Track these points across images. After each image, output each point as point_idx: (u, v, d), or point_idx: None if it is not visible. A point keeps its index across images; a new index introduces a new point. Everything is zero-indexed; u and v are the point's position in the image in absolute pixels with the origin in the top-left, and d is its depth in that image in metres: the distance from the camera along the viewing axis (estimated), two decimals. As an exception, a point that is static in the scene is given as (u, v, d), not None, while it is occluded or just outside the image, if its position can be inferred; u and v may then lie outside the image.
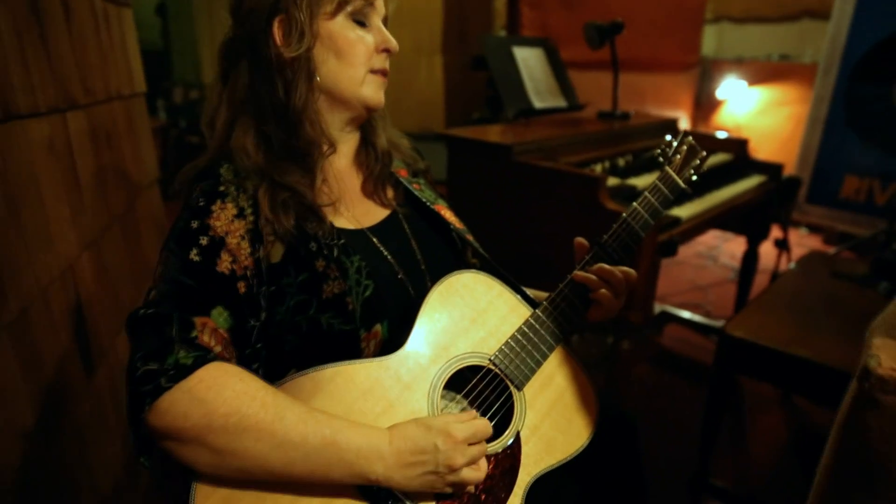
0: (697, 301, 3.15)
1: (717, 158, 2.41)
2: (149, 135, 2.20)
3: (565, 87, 2.50)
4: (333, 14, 0.81)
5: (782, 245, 2.52)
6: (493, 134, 2.02)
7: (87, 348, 1.38)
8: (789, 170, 3.82)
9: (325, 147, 0.83)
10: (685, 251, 3.99)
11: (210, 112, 0.85)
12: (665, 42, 4.65)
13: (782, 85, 4.61)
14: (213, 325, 0.69)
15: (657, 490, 1.75)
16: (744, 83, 4.73)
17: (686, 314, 2.86)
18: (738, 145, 2.48)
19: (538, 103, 2.33)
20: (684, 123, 4.91)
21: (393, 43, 0.85)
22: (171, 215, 0.89)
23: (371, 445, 0.68)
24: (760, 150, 4.54)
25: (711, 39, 5.02)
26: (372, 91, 0.85)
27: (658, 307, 2.92)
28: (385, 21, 0.89)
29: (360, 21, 0.83)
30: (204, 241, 0.72)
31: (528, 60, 2.40)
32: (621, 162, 2.10)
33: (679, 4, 4.62)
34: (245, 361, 0.73)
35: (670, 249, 1.65)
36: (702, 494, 1.75)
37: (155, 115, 5.40)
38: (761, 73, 4.69)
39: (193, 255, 0.71)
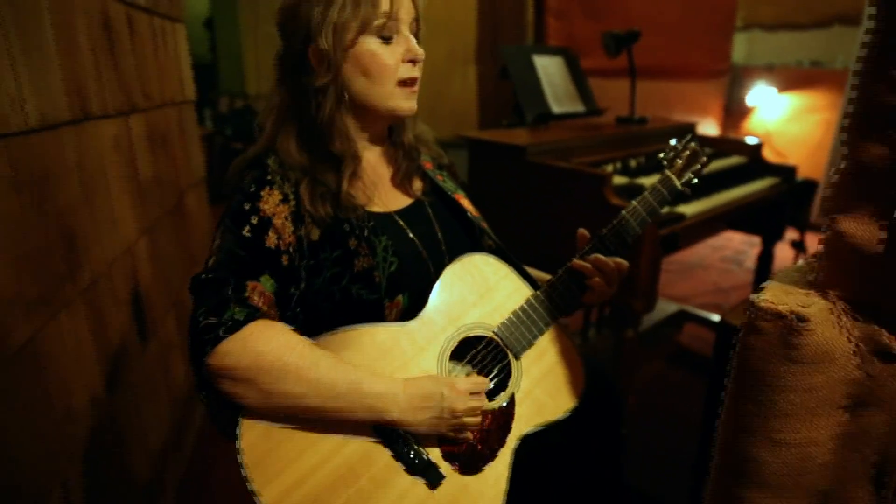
0: (718, 302, 3.20)
1: (732, 161, 2.49)
2: (197, 138, 2.42)
3: (584, 93, 2.62)
4: (357, 38, 0.89)
5: (798, 246, 2.57)
6: (511, 136, 2.15)
7: (143, 322, 1.58)
8: (818, 176, 3.81)
9: (350, 159, 0.92)
10: (711, 256, 4.02)
11: (262, 117, 0.98)
12: (694, 50, 4.70)
13: (813, 92, 4.59)
14: (261, 289, 0.83)
15: (664, 478, 1.83)
16: (774, 90, 4.73)
17: (703, 313, 2.92)
18: (752, 148, 2.55)
19: (557, 108, 2.45)
20: (713, 130, 4.93)
21: (418, 51, 0.92)
22: (215, 216, 1.00)
23: (389, 391, 0.82)
24: (790, 157, 4.53)
25: (742, 47, 5.03)
26: (401, 102, 0.92)
27: (677, 307, 2.98)
28: (417, 20, 0.94)
29: (386, 36, 0.90)
30: (254, 220, 0.86)
31: (548, 68, 2.53)
32: (633, 163, 2.21)
33: (708, 13, 4.66)
34: (286, 323, 0.87)
35: (672, 244, 1.75)
36: (702, 482, 1.82)
37: (202, 123, 5.71)
38: (792, 79, 4.68)
39: (246, 231, 0.85)
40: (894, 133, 0.53)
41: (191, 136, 2.28)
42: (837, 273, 0.59)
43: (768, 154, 2.68)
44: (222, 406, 0.82)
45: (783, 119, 4.74)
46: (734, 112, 5.05)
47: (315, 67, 0.91)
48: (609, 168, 2.10)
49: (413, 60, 0.92)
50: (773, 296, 0.59)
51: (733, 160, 2.51)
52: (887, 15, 0.52)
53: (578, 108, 2.56)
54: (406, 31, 0.92)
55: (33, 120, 1.05)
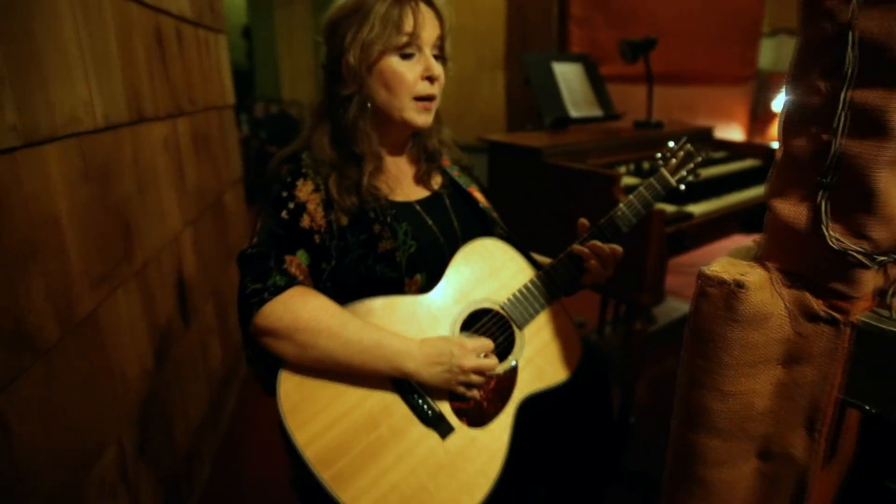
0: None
1: (746, 164, 2.55)
2: (235, 141, 2.60)
3: (602, 98, 2.72)
4: (381, 56, 0.99)
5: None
6: (528, 139, 2.26)
7: (185, 304, 1.74)
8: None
9: (370, 158, 1.04)
10: (732, 260, 4.04)
11: (306, 116, 1.13)
12: (719, 56, 4.73)
13: (841, 96, 4.57)
14: (297, 262, 0.96)
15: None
16: (800, 95, 4.72)
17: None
18: (767, 151, 2.60)
19: (574, 112, 2.55)
20: (738, 135, 4.94)
21: (434, 70, 1.03)
22: (251, 215, 1.13)
23: (406, 348, 0.94)
24: (816, 162, 4.50)
25: (769, 52, 5.03)
26: (414, 116, 1.03)
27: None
28: (443, 39, 1.05)
29: (407, 54, 1.00)
30: (291, 205, 0.99)
31: (567, 74, 2.63)
32: (646, 165, 2.29)
33: (734, 19, 4.69)
34: None
35: (679, 242, 1.84)
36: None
37: (239, 127, 5.96)
38: (819, 84, 4.66)
39: (284, 214, 0.98)
40: (815, 128, 0.63)
41: (230, 139, 2.46)
42: (774, 247, 0.69)
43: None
44: (264, 364, 0.96)
45: (810, 124, 4.71)
46: (760, 117, 5.04)
47: (345, 78, 1.04)
48: (622, 169, 2.19)
49: (430, 78, 1.03)
50: (720, 266, 0.70)
51: (748, 163, 2.56)
52: (806, 32, 0.63)
53: (596, 112, 2.66)
54: (427, 51, 1.03)
55: (100, 121, 1.21)
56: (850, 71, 0.60)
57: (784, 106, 0.67)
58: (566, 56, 2.74)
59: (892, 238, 0.63)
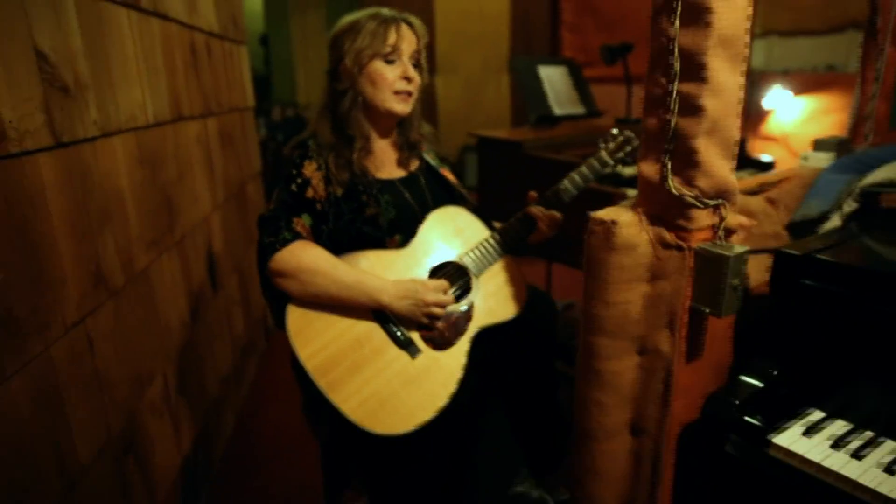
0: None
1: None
2: (255, 139, 2.92)
3: (585, 97, 2.98)
4: (370, 61, 1.30)
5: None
6: (513, 134, 2.54)
7: (214, 275, 2.04)
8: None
9: (360, 142, 1.33)
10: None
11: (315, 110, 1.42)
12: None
13: (827, 94, 4.78)
14: (302, 223, 1.25)
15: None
16: (789, 93, 4.93)
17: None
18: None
19: (558, 110, 2.82)
20: (731, 132, 5.14)
21: (410, 73, 1.32)
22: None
23: (382, 286, 1.22)
24: (803, 156, 4.71)
25: (760, 53, 5.25)
26: (395, 104, 1.32)
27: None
28: (419, 52, 1.33)
29: (390, 60, 1.29)
30: (299, 180, 1.28)
31: (552, 76, 2.91)
32: (619, 154, 2.55)
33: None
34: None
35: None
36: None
37: (256, 130, 6.30)
38: (807, 83, 4.87)
39: (293, 187, 1.27)
40: (660, 111, 0.91)
41: (251, 137, 2.77)
42: (642, 197, 0.97)
43: (784, 154, 2.94)
44: (276, 301, 1.25)
45: (799, 121, 4.93)
46: (753, 115, 5.26)
47: (342, 77, 1.33)
48: (595, 160, 2.46)
49: (406, 79, 1.32)
50: (604, 212, 0.97)
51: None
52: (652, 44, 0.90)
53: (579, 110, 2.93)
54: (406, 59, 1.32)
55: (151, 119, 1.52)
56: (676, 71, 0.87)
57: (644, 96, 0.94)
58: (552, 60, 3.01)
59: (713, 186, 0.90)
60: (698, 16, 0.84)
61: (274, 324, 1.31)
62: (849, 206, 1.34)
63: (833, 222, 1.32)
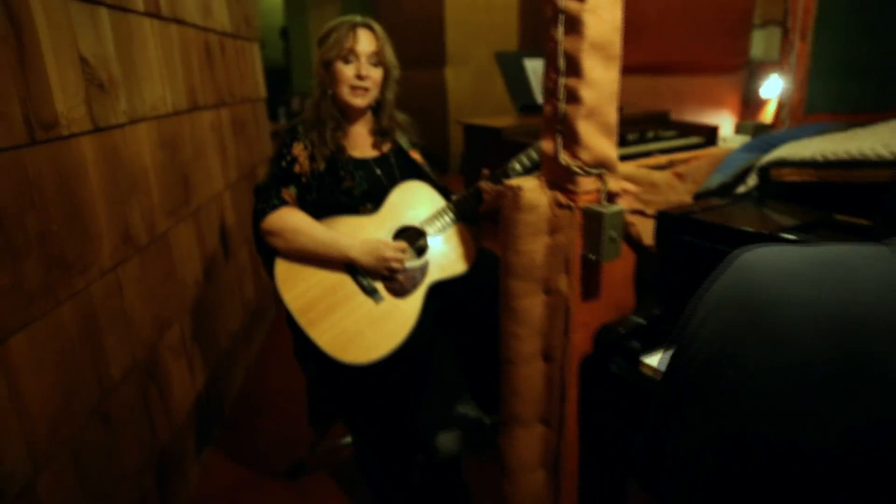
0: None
1: (690, 140, 3.01)
2: (266, 126, 3.22)
3: (570, 87, 3.21)
4: (334, 61, 1.57)
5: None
6: (495, 121, 2.79)
7: (227, 245, 2.35)
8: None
9: (332, 124, 1.61)
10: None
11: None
12: (710, 47, 5.08)
13: (823, 82, 4.88)
14: (290, 193, 1.54)
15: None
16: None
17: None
18: (710, 130, 3.06)
19: (541, 100, 3.06)
20: (730, 121, 5.29)
21: (363, 71, 1.57)
22: None
23: (351, 244, 1.49)
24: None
25: (760, 43, 5.36)
26: (351, 98, 1.59)
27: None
28: (377, 54, 1.59)
29: (348, 60, 1.59)
30: (288, 158, 1.57)
31: (537, 68, 3.14)
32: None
33: (725, 12, 5.03)
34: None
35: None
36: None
37: (277, 119, 6.62)
38: (803, 71, 4.98)
39: (283, 163, 1.56)
40: (554, 99, 1.16)
41: (262, 124, 3.08)
42: (543, 167, 1.23)
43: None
44: (267, 255, 1.54)
45: (795, 109, 5.05)
46: (752, 104, 5.39)
47: (320, 74, 1.61)
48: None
49: (360, 77, 1.58)
50: (514, 180, 1.23)
51: (692, 140, 3.03)
52: (546, 46, 1.16)
53: (563, 99, 3.16)
54: (363, 59, 1.58)
55: (170, 108, 1.82)
56: (562, 69, 1.13)
57: (544, 88, 1.20)
58: (539, 52, 3.24)
59: (593, 158, 1.16)
60: (574, 26, 1.10)
61: (266, 274, 1.60)
62: (752, 181, 1.57)
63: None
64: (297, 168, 1.56)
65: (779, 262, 0.48)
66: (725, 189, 1.55)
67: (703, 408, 0.53)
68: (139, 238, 1.58)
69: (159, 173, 1.74)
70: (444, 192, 1.71)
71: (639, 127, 3.01)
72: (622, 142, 2.83)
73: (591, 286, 1.27)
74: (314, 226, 1.50)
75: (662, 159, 1.56)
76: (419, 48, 6.08)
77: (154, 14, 1.74)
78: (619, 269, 1.34)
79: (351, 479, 1.94)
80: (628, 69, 3.18)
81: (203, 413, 1.98)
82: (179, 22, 1.95)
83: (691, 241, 1.26)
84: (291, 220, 1.49)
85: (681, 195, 1.54)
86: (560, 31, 1.12)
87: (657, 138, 2.97)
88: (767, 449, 0.47)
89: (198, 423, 1.94)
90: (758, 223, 1.27)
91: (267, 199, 1.51)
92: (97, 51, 1.40)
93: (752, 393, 0.49)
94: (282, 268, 1.51)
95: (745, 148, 1.64)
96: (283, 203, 1.51)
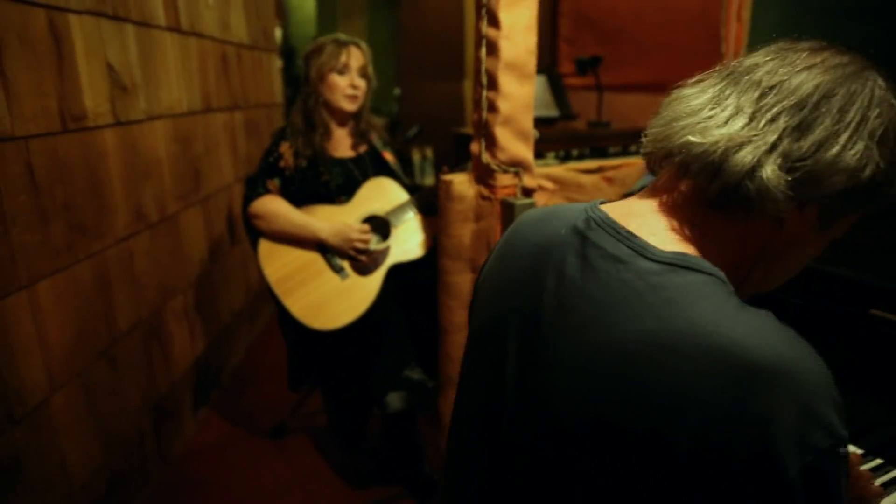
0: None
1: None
2: (281, 130, 3.54)
3: (561, 102, 3.45)
4: (328, 72, 1.85)
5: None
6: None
7: (233, 232, 2.66)
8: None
9: (321, 129, 1.89)
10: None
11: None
12: (697, 66, 5.24)
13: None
14: (274, 184, 1.82)
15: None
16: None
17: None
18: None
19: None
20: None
21: (355, 81, 1.86)
22: None
23: (322, 226, 1.75)
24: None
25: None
26: (345, 104, 1.87)
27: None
28: (364, 66, 1.90)
29: (342, 72, 1.88)
30: (275, 154, 1.85)
31: (530, 83, 3.39)
32: (575, 152, 3.01)
33: (711, 35, 5.19)
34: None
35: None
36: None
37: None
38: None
39: (270, 159, 1.84)
40: (479, 110, 1.41)
41: (276, 127, 3.39)
42: (473, 165, 1.47)
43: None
44: (253, 236, 1.82)
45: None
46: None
47: (310, 84, 1.89)
48: (550, 155, 2.93)
49: (353, 86, 1.86)
50: (449, 175, 1.48)
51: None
52: (474, 63, 1.40)
53: (553, 112, 3.39)
54: (353, 72, 1.86)
55: (185, 109, 2.13)
56: (484, 83, 1.38)
57: (473, 100, 1.45)
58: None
59: (508, 159, 1.40)
60: (492, 49, 1.35)
61: (252, 250, 1.89)
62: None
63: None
64: (282, 163, 1.84)
65: (529, 214, 0.72)
66: (650, 193, 1.77)
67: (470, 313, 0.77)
68: (150, 216, 1.88)
69: (172, 163, 2.04)
70: (408, 188, 1.97)
71: (622, 141, 3.22)
72: (603, 154, 3.04)
73: (511, 267, 1.51)
74: (291, 211, 1.78)
75: (593, 164, 1.79)
76: (439, 61, 6.38)
77: (174, 28, 2.05)
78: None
79: (325, 439, 2.19)
80: (633, 87, 3.40)
81: (201, 376, 2.27)
82: (198, 35, 2.26)
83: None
84: (272, 206, 1.77)
85: (608, 197, 1.77)
86: (483, 52, 1.37)
87: (638, 152, 3.16)
88: (476, 327, 0.72)
89: (196, 384, 2.22)
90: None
91: (254, 188, 1.80)
92: (122, 59, 1.71)
93: (479, 292, 0.73)
94: (264, 246, 1.79)
95: (674, 158, 1.85)
96: (267, 192, 1.79)
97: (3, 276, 1.25)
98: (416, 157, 3.88)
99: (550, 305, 0.60)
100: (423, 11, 6.71)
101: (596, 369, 0.54)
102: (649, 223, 0.60)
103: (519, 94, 1.38)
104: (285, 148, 1.86)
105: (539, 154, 3.00)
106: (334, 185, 1.87)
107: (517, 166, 1.42)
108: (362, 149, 1.99)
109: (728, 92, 0.59)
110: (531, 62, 1.38)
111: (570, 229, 0.62)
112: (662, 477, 0.50)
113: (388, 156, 2.03)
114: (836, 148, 0.53)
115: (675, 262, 0.55)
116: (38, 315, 1.36)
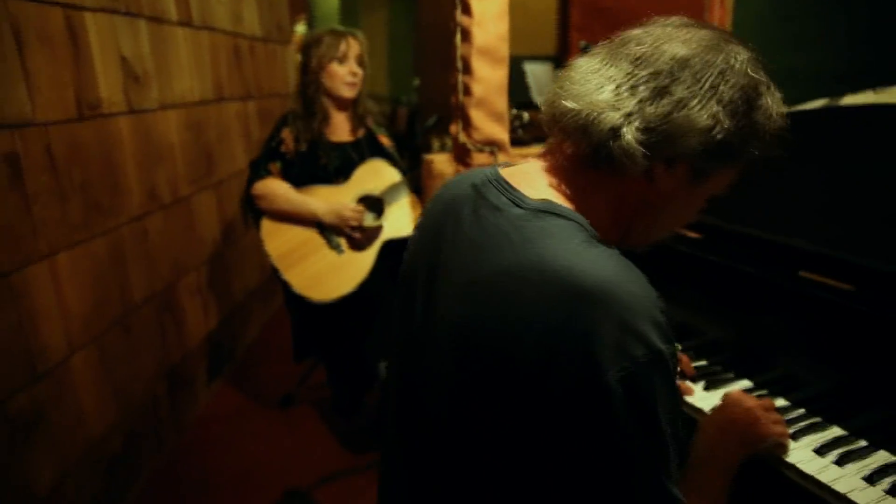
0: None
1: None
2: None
3: (567, 89, 3.50)
4: (329, 62, 1.97)
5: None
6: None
7: (246, 216, 2.80)
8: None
9: (320, 115, 2.01)
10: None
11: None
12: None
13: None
14: (276, 167, 1.94)
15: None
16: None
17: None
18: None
19: (539, 100, 3.37)
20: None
21: (354, 69, 1.98)
22: None
23: (318, 205, 1.88)
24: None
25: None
26: (345, 90, 1.99)
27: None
28: (361, 56, 2.02)
29: (341, 61, 1.99)
30: (278, 139, 1.98)
31: (536, 71, 3.45)
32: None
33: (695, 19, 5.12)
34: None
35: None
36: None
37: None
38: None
39: (273, 144, 1.97)
40: (454, 93, 1.50)
41: (290, 118, 3.53)
42: (453, 145, 1.57)
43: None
44: (256, 215, 1.95)
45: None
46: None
47: (311, 72, 2.01)
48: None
49: (352, 74, 1.98)
50: (429, 156, 1.58)
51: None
52: (449, 52, 1.50)
53: (558, 100, 3.45)
54: (352, 61, 1.98)
55: (197, 98, 2.28)
56: (459, 68, 1.47)
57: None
58: (539, 58, 3.54)
59: (483, 138, 1.49)
60: (466, 36, 1.44)
61: (254, 227, 2.02)
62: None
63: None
64: (283, 147, 1.97)
65: (448, 180, 0.82)
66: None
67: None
68: (164, 197, 2.03)
69: (184, 149, 2.19)
70: (400, 169, 2.08)
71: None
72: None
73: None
74: (290, 191, 1.91)
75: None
76: (456, 52, 6.42)
77: (186, 23, 2.19)
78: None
79: (328, 410, 2.33)
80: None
81: (214, 350, 2.43)
82: (210, 29, 2.40)
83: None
84: (273, 187, 1.90)
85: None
86: (458, 39, 1.46)
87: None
88: (399, 283, 0.82)
89: (209, 357, 2.38)
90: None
91: (257, 170, 1.92)
92: (135, 52, 1.85)
93: (405, 254, 0.83)
94: (266, 224, 1.92)
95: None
96: (269, 174, 1.92)
97: (25, 247, 1.40)
98: (435, 145, 3.99)
99: (446, 251, 0.70)
100: (440, 4, 6.76)
101: (469, 298, 0.64)
102: (533, 179, 0.69)
103: (491, 78, 1.47)
104: (286, 133, 1.98)
105: (544, 140, 3.07)
106: (332, 167, 1.99)
107: (492, 145, 1.51)
108: (360, 133, 2.10)
109: (606, 62, 0.67)
110: (503, 48, 1.47)
111: (471, 187, 0.72)
112: (517, 393, 0.59)
113: (384, 139, 2.14)
114: (687, 110, 0.61)
115: (539, 209, 0.64)
116: (57, 283, 1.51)
